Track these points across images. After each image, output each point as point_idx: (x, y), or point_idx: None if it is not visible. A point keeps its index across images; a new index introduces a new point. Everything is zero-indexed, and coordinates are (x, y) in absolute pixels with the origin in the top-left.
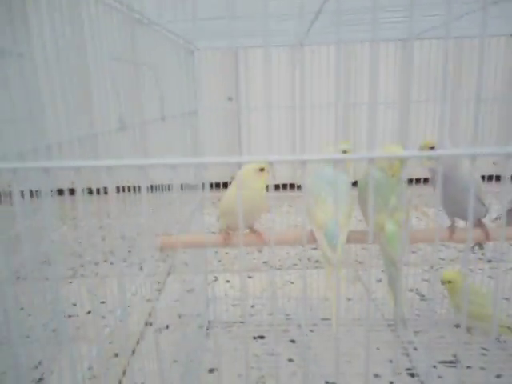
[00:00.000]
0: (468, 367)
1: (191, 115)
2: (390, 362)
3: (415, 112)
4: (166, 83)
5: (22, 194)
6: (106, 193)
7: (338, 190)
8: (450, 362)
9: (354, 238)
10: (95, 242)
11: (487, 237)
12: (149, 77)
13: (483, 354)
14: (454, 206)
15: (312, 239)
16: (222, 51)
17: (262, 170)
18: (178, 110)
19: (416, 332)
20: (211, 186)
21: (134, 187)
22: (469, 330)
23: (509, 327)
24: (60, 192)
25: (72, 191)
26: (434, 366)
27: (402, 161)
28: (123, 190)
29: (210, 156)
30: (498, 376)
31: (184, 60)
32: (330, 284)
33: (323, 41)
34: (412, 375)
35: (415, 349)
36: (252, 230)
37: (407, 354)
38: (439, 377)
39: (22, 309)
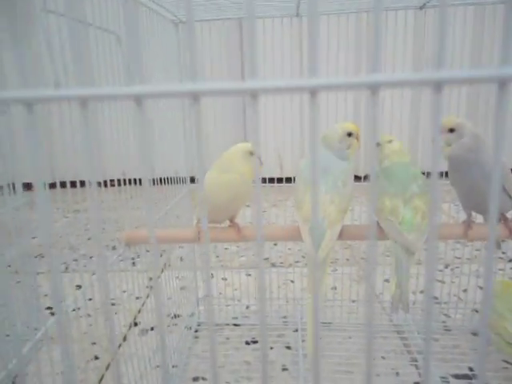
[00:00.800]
0: None
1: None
2: (397, 374)
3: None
4: (143, 57)
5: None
6: (113, 185)
7: (334, 177)
8: (465, 376)
9: (349, 233)
10: (93, 236)
11: (511, 234)
12: (118, 45)
13: (505, 368)
14: (473, 197)
15: (298, 235)
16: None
17: (252, 153)
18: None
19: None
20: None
21: (135, 180)
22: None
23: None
24: (63, 184)
25: (79, 183)
26: (447, 381)
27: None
28: (125, 183)
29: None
30: None
31: (167, 33)
32: (309, 287)
33: (324, 10)
34: None
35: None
36: (232, 223)
37: (416, 366)
38: None
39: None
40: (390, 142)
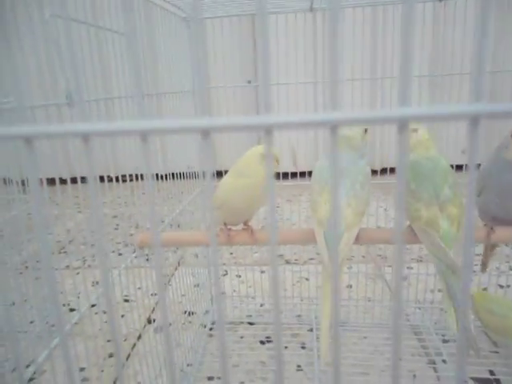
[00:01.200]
0: None
1: (195, 94)
2: (414, 376)
3: (448, 87)
4: (153, 56)
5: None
6: (124, 181)
7: (352, 180)
8: (486, 380)
9: (366, 236)
10: (108, 231)
11: None
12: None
13: None
14: (506, 201)
15: (313, 238)
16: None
17: None
18: (173, 88)
19: (445, 341)
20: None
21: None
22: (495, 344)
23: None
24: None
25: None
26: (465, 381)
27: None
28: (137, 179)
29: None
30: None
31: (178, 31)
32: (325, 296)
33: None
34: None
35: (444, 361)
36: (246, 226)
37: (434, 368)
38: None
39: (25, 300)
40: (416, 130)
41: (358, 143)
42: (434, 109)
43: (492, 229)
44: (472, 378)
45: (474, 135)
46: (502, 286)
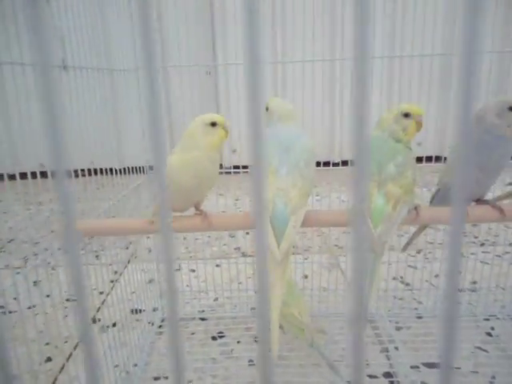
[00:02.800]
0: (457, 368)
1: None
2: (368, 364)
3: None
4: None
5: None
6: (77, 176)
7: (296, 156)
8: (437, 364)
9: (312, 219)
10: (54, 229)
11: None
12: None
13: (473, 353)
14: (493, 174)
15: None
16: None
17: (213, 124)
18: (113, 65)
19: (398, 328)
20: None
21: (106, 170)
22: (281, 327)
23: (303, 329)
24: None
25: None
26: (418, 370)
27: (420, 122)
28: (90, 174)
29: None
30: (493, 377)
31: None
32: (272, 286)
33: None
34: (391, 380)
35: (396, 348)
36: (199, 210)
37: (387, 356)
38: (422, 383)
39: None
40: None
41: (299, 116)
42: None
43: (498, 207)
44: (424, 364)
45: None
46: None
